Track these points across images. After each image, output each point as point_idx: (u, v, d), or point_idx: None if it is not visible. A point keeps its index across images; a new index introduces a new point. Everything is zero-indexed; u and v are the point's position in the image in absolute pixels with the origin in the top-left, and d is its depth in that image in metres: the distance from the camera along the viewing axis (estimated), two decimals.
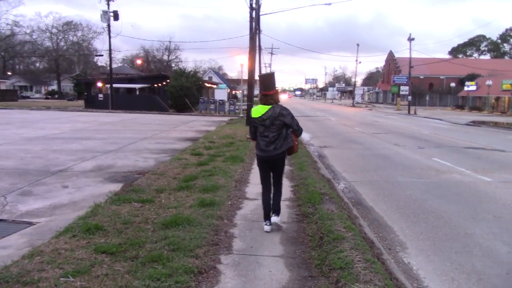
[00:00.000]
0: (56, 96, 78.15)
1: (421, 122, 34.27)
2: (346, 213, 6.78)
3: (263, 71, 45.85)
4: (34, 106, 43.65)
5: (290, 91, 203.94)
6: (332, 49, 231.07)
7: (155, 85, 42.61)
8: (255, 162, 11.73)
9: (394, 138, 20.35)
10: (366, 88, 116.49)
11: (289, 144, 5.89)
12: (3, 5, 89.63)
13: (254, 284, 4.41)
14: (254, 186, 8.87)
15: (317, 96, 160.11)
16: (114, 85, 41.66)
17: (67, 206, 7.11)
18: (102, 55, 68.64)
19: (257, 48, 31.86)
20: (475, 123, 33.32)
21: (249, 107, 25.46)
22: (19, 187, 8.29)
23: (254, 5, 25.85)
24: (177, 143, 15.78)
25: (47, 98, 74.65)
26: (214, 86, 51.68)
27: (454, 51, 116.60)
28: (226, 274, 4.60)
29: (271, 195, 6.09)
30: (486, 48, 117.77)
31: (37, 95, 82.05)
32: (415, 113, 48.03)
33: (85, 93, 45.71)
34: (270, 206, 6.06)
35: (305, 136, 20.88)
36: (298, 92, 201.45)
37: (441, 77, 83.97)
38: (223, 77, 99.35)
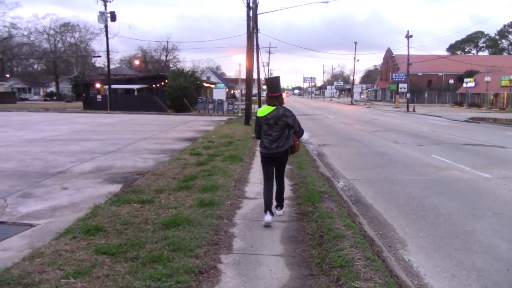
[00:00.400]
0: (55, 97, 78.11)
1: (420, 119, 34.29)
2: (345, 211, 6.79)
3: (261, 70, 45.82)
4: (32, 108, 43.61)
5: (288, 90, 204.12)
6: (329, 48, 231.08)
7: (153, 86, 42.61)
8: (254, 161, 11.81)
9: (393, 136, 20.37)
10: (364, 86, 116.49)
11: (290, 143, 6.32)
12: (0, 7, 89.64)
13: (255, 283, 4.42)
14: (254, 185, 8.89)
15: (315, 94, 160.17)
16: (112, 86, 41.63)
17: (67, 208, 7.12)
18: (100, 56, 68.83)
19: (255, 47, 31.83)
20: (474, 120, 33.35)
21: (248, 107, 25.54)
22: (18, 189, 8.30)
23: (251, 4, 25.84)
24: (176, 143, 15.78)
25: (45, 100, 74.59)
26: (213, 86, 51.71)
27: (452, 48, 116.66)
28: (226, 273, 4.61)
29: (273, 189, 6.43)
30: (484, 45, 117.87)
31: (36, 97, 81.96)
32: (413, 110, 48.06)
33: (84, 95, 45.67)
34: (271, 199, 6.36)
35: (304, 134, 20.84)
36: (296, 91, 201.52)
37: (440, 74, 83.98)
38: (221, 76, 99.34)
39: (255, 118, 6.64)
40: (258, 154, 13.14)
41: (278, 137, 6.21)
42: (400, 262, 5.41)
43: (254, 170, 10.60)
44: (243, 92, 32.29)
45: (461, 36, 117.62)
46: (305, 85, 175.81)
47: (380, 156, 14.07)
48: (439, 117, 37.81)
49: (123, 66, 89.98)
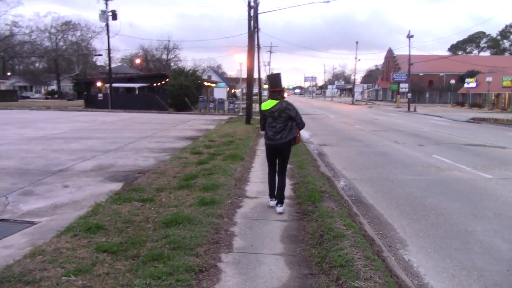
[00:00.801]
0: (56, 96, 78.14)
1: (421, 119, 34.27)
2: (346, 211, 6.79)
3: (262, 69, 45.88)
4: (34, 106, 43.65)
5: (289, 89, 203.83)
6: (331, 47, 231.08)
7: (155, 84, 42.61)
8: (255, 160, 11.81)
9: (394, 136, 20.36)
10: (365, 85, 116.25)
11: (294, 135, 6.83)
12: (1, 5, 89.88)
13: (255, 282, 4.43)
14: (254, 184, 8.90)
15: (316, 94, 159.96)
16: (114, 85, 41.65)
17: (68, 206, 7.13)
18: (101, 55, 68.89)
19: (256, 46, 31.82)
20: (475, 120, 33.31)
21: (249, 106, 25.54)
22: (20, 187, 8.31)
23: (252, 3, 25.84)
24: (177, 142, 15.79)
25: (47, 98, 74.65)
26: (213, 85, 51.66)
27: (454, 48, 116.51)
28: (226, 272, 4.62)
29: (276, 177, 7.06)
30: (486, 45, 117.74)
31: (37, 95, 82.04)
32: (415, 110, 48.01)
33: (85, 93, 45.73)
34: (275, 185, 7.04)
35: (304, 134, 20.89)
36: (297, 90, 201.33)
37: (441, 74, 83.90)
38: (222, 75, 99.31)
39: (259, 111, 7.25)
40: (259, 153, 13.18)
41: (282, 128, 6.71)
42: (400, 262, 5.42)
43: (255, 169, 10.61)
44: (244, 91, 32.31)
45: (463, 36, 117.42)
46: (306, 84, 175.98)
47: (381, 156, 14.07)
48: (440, 117, 37.78)
49: (125, 64, 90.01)
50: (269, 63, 74.96)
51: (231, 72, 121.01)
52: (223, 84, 53.21)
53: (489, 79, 54.31)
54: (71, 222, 5.77)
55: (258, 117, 9.07)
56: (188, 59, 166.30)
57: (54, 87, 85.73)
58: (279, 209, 6.91)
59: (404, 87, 63.61)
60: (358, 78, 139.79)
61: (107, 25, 40.73)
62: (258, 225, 6.25)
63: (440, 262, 5.46)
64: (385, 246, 5.85)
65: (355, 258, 4.72)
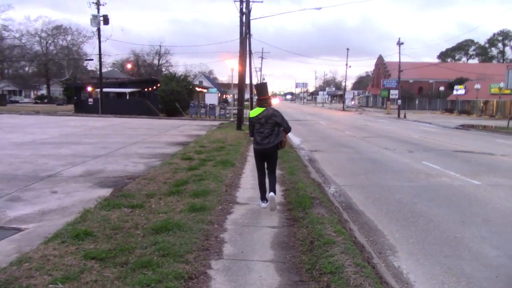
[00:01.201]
0: (46, 100, 77.59)
1: (411, 126, 34.51)
2: (336, 217, 6.80)
3: (254, 75, 46.00)
4: (23, 110, 43.28)
5: (280, 95, 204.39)
6: (321, 54, 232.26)
7: (146, 90, 42.50)
8: (246, 166, 11.79)
9: (384, 142, 20.47)
10: (356, 92, 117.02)
11: (280, 139, 7.24)
12: None
13: None
14: (245, 190, 8.87)
15: (307, 100, 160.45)
16: (104, 90, 41.49)
17: (56, 212, 7.05)
18: (92, 60, 68.47)
19: (248, 52, 31.88)
20: (464, 127, 33.62)
21: (240, 111, 25.52)
22: (7, 192, 8.20)
23: (244, 10, 25.89)
24: (167, 148, 15.73)
25: (36, 103, 74.11)
26: (205, 90, 51.62)
27: (443, 56, 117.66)
28: (216, 279, 4.59)
29: (266, 180, 7.41)
30: (474, 52, 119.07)
31: (26, 100, 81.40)
32: (404, 116, 48.35)
33: (75, 98, 45.41)
34: (265, 189, 7.38)
35: (295, 140, 20.95)
36: (289, 96, 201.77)
37: (430, 81, 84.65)
38: (213, 81, 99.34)
39: (248, 119, 7.60)
40: (249, 159, 13.15)
41: (269, 134, 7.15)
42: (390, 269, 5.42)
43: (246, 175, 10.59)
44: (235, 97, 32.28)
45: (452, 44, 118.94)
46: (297, 90, 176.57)
47: (371, 162, 14.13)
48: (430, 123, 38.08)
49: (115, 69, 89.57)
50: (260, 69, 75.10)
51: (223, 78, 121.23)
52: (215, 89, 53.16)
53: (477, 86, 54.83)
54: (59, 228, 5.70)
55: None
56: (179, 64, 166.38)
57: (43, 91, 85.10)
58: (271, 194, 7.19)
59: (394, 93, 63.94)
60: (349, 84, 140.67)
61: (98, 30, 40.59)
62: (248, 231, 6.22)
63: (430, 269, 5.47)
64: (375, 252, 5.85)
65: (345, 264, 4.71)
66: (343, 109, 76.29)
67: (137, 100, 42.37)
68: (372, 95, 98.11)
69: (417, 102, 78.97)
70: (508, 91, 44.56)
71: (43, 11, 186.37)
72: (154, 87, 40.93)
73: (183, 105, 38.58)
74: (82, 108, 41.68)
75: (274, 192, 7.28)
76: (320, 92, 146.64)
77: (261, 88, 7.69)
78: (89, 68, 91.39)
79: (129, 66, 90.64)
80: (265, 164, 7.41)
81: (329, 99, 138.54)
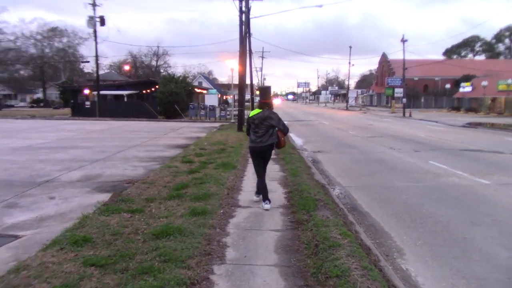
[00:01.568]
0: (42, 104, 77.67)
1: (417, 125, 34.47)
2: (341, 219, 6.79)
3: (254, 75, 46.01)
4: (19, 115, 43.31)
5: (282, 95, 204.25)
6: (323, 52, 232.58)
7: (144, 92, 42.53)
8: (248, 168, 11.80)
9: (389, 142, 20.45)
10: (359, 91, 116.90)
11: (274, 140, 7.75)
12: None
13: None
14: (247, 193, 8.86)
15: (310, 100, 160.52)
16: (101, 92, 41.52)
17: (54, 218, 7.06)
18: (88, 62, 68.55)
19: (248, 52, 31.90)
20: (471, 125, 33.54)
21: (240, 112, 25.54)
22: (4, 199, 8.22)
23: (243, 8, 25.93)
24: (167, 151, 15.74)
25: (32, 107, 74.17)
26: (204, 92, 51.67)
27: (448, 52, 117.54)
28: (219, 285, 4.58)
29: (264, 179, 7.91)
30: (480, 49, 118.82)
31: (22, 104, 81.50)
32: (410, 115, 48.29)
33: (72, 101, 45.43)
34: (266, 188, 7.86)
35: (298, 141, 20.94)
36: (290, 96, 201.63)
37: (436, 78, 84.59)
38: (213, 82, 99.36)
39: (247, 118, 8.22)
40: (251, 161, 13.11)
41: (263, 134, 7.67)
42: (398, 272, 5.41)
43: (248, 178, 10.58)
44: (236, 97, 32.31)
45: (457, 40, 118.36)
46: (299, 90, 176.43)
47: (377, 162, 14.11)
48: (436, 122, 38.02)
49: (113, 71, 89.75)
50: (261, 69, 75.11)
51: (223, 78, 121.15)
52: (214, 90, 53.17)
53: (484, 83, 54.81)
54: (57, 235, 5.70)
55: None
56: (178, 65, 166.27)
57: (39, 95, 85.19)
58: (265, 206, 7.66)
59: (399, 92, 63.90)
60: (352, 83, 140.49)
61: (94, 31, 40.67)
62: (251, 235, 6.22)
63: (439, 271, 5.45)
64: (382, 255, 5.83)
65: (352, 268, 4.70)
66: (347, 109, 76.28)
67: (135, 103, 42.41)
68: (376, 93, 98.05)
69: (422, 100, 78.88)
70: None
71: (38, 13, 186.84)
72: (153, 89, 40.97)
73: (182, 107, 38.62)
74: (79, 111, 41.73)
75: (259, 193, 8.01)
76: (323, 92, 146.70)
77: (265, 91, 8.62)
78: (85, 70, 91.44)
79: (126, 67, 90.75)
80: (261, 162, 7.96)
81: (332, 98, 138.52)
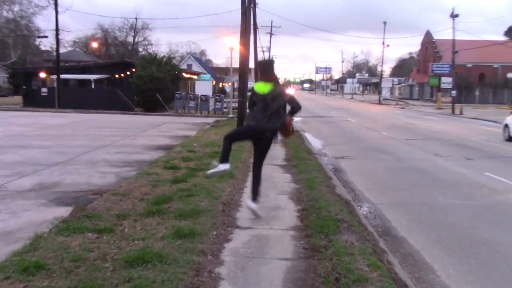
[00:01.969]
0: None
1: (469, 125, 34.44)
2: (370, 246, 6.78)
3: (260, 57, 45.99)
4: None
5: (296, 83, 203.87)
6: (349, 29, 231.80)
7: (117, 76, 42.76)
8: (249, 178, 11.77)
9: (434, 146, 20.43)
10: (396, 79, 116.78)
11: (283, 121, 7.92)
12: None
13: None
14: (248, 210, 8.85)
15: (331, 90, 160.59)
16: (62, 76, 41.69)
17: None
18: (46, 37, 68.60)
19: (252, 26, 31.92)
20: None
21: (241, 104, 25.53)
22: None
23: None
24: (145, 153, 15.77)
25: None
26: (195, 77, 51.91)
27: None
28: None
29: (259, 172, 8.32)
30: None
31: None
32: (460, 112, 48.25)
33: (24, 87, 45.69)
34: (229, 152, 8.28)
35: (316, 143, 20.96)
36: (306, 85, 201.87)
37: (495, 65, 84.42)
38: (206, 65, 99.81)
39: (250, 91, 8.52)
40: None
41: (272, 114, 7.77)
42: None
43: (248, 190, 10.56)
44: (236, 85, 32.37)
45: None
46: (318, 77, 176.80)
47: (417, 173, 14.10)
48: (494, 122, 37.88)
49: (77, 49, 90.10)
50: (269, 49, 75.01)
51: (219, 61, 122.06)
52: (208, 76, 53.49)
53: None
54: (3, 260, 5.71)
55: None
56: (161, 42, 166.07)
57: None
58: (252, 205, 8.08)
59: (447, 82, 63.81)
60: (387, 69, 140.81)
61: None
62: (252, 265, 6.21)
63: None
64: None
65: None
66: (379, 102, 76.32)
67: (105, 90, 42.60)
68: (417, 83, 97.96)
69: (477, 93, 78.70)
70: None
71: None
72: (128, 73, 41.14)
73: (167, 97, 38.68)
74: (34, 100, 41.91)
75: (255, 199, 8.13)
76: (349, 80, 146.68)
77: (267, 66, 8.53)
78: (42, 48, 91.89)
79: (95, 45, 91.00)
80: (254, 148, 8.33)
81: (360, 88, 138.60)
